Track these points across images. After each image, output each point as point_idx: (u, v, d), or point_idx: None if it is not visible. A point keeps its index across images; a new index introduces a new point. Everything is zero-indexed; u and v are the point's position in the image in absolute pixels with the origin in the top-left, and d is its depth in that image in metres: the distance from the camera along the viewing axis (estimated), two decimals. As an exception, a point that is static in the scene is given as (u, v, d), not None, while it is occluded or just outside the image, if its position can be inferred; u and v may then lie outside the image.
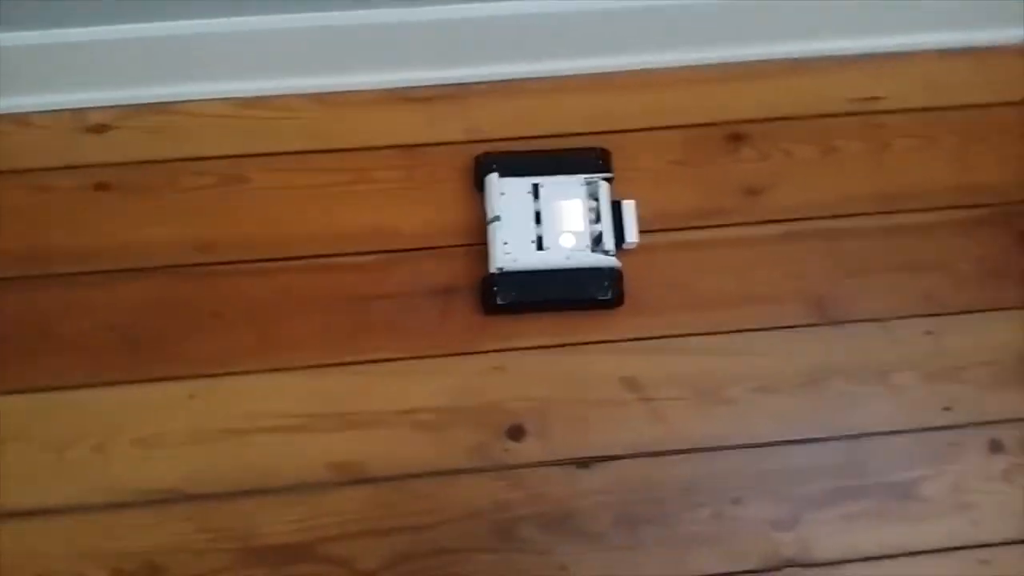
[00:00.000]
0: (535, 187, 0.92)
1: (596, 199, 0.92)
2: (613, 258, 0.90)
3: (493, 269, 0.90)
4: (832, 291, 0.93)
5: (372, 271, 0.93)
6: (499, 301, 0.89)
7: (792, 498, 0.87)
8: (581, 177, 0.92)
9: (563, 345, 0.91)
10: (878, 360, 0.91)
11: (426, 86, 0.98)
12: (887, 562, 0.86)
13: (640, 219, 0.92)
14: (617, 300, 0.90)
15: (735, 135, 0.98)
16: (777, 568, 0.85)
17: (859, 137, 0.98)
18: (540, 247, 0.90)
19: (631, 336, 0.91)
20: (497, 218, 0.91)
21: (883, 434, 0.89)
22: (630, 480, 0.87)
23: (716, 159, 0.97)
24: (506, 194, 0.92)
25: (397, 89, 0.98)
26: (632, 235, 0.91)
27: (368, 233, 0.94)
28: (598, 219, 0.91)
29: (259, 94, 0.98)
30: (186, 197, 0.95)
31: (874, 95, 1.00)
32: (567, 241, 0.90)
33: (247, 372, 0.89)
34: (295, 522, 0.85)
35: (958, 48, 1.02)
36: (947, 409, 0.90)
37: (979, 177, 0.98)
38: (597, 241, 0.91)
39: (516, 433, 0.88)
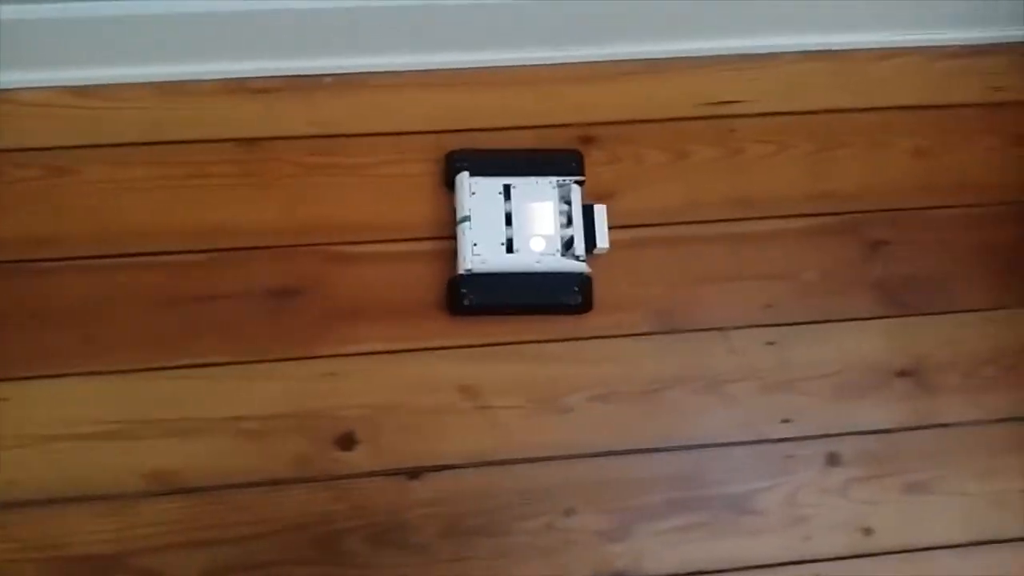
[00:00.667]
0: (506, 188, 0.90)
1: (568, 202, 0.90)
2: (583, 263, 0.88)
3: (461, 270, 0.87)
4: (676, 299, 0.92)
5: (203, 270, 0.89)
6: (466, 303, 0.87)
7: (626, 510, 0.86)
8: (553, 179, 0.90)
9: (399, 351, 0.89)
10: (718, 370, 0.91)
11: (267, 77, 0.95)
12: (718, 576, 0.85)
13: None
14: (586, 305, 0.89)
15: (585, 137, 0.96)
16: (606, 582, 0.84)
17: (712, 142, 0.97)
18: (510, 250, 0.89)
19: (470, 343, 0.89)
20: (467, 218, 0.88)
21: (720, 445, 0.89)
22: (461, 491, 0.85)
23: (564, 160, 0.95)
24: (476, 194, 0.89)
25: (237, 80, 0.95)
26: (603, 240, 0.90)
27: (201, 230, 0.90)
28: (569, 223, 0.89)
29: (92, 83, 0.94)
30: (8, 190, 0.90)
31: (729, 99, 0.98)
32: (537, 244, 0.89)
33: (65, 375, 0.86)
34: (107, 532, 0.81)
35: (818, 50, 1.01)
36: (786, 421, 0.90)
37: (832, 184, 0.97)
38: (567, 245, 0.89)
39: (346, 442, 0.86)
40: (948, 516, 0.88)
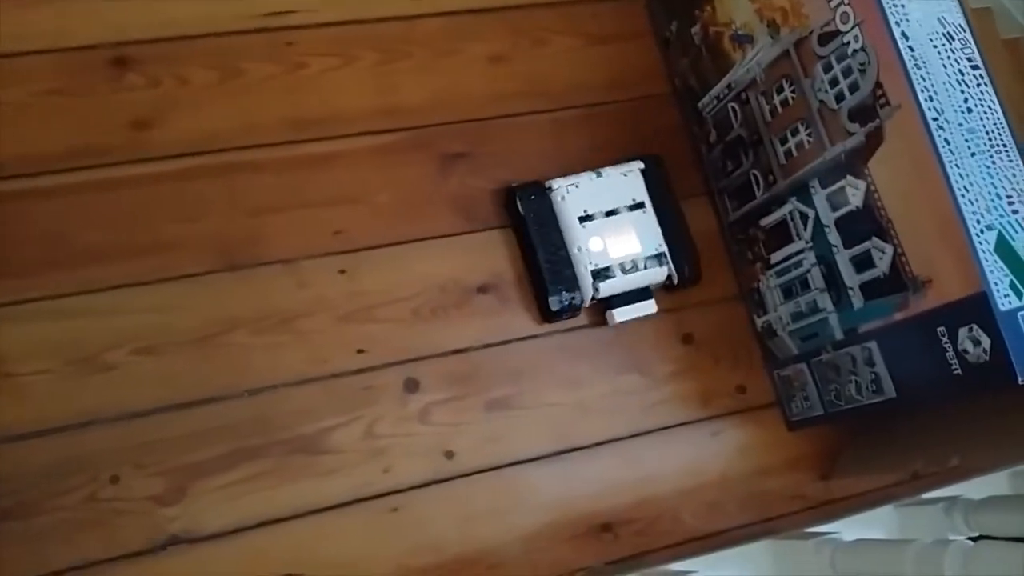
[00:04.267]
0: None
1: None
2: None
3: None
4: (234, 233, 0.87)
5: None
6: None
7: (180, 469, 0.81)
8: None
9: None
10: (285, 306, 0.87)
11: None
12: (291, 523, 0.82)
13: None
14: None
15: (119, 59, 0.88)
16: (162, 547, 0.79)
17: (269, 58, 0.91)
18: None
19: (-14, 303, 0.80)
20: None
21: (289, 385, 0.85)
22: (-18, 472, 0.77)
23: (96, 88, 0.87)
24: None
25: None
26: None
27: None
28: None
29: None
30: None
31: (284, 8, 0.93)
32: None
33: None
34: None
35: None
36: (361, 352, 0.87)
37: (401, 98, 0.94)
38: None
39: None
40: (532, 430, 0.90)
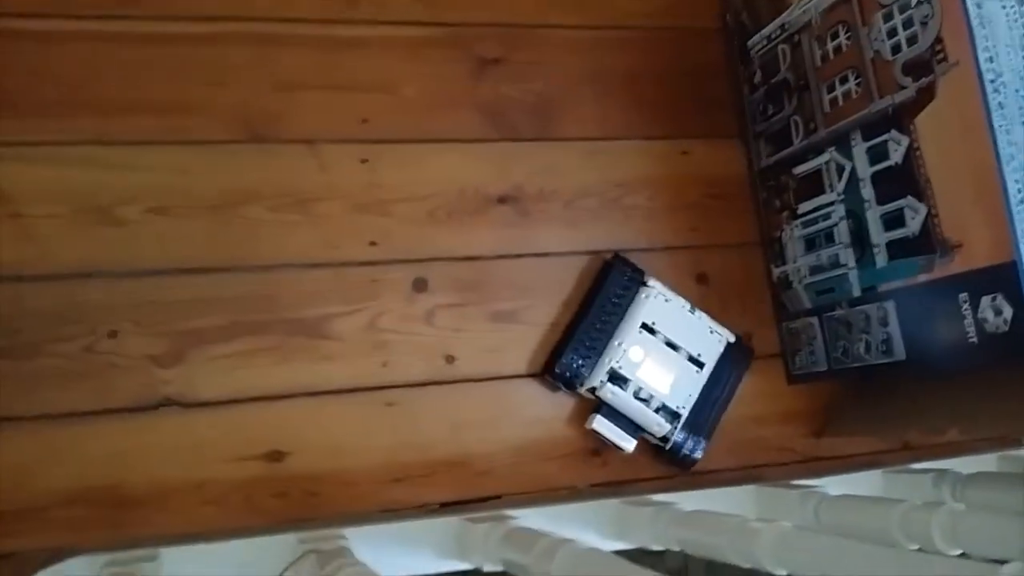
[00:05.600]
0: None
1: None
2: None
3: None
4: (260, 105, 0.86)
5: None
6: None
7: (180, 333, 0.81)
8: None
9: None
10: (304, 187, 0.86)
11: None
12: (283, 402, 0.83)
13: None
14: None
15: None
16: (154, 407, 0.79)
17: (316, -68, 0.89)
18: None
19: (2, 140, 0.79)
20: None
21: (298, 266, 0.85)
22: (-19, 308, 0.77)
23: (137, -63, 0.85)
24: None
25: None
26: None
27: None
28: None
29: None
30: None
31: None
32: None
33: None
34: None
35: None
36: (373, 244, 0.87)
37: (445, -7, 0.92)
38: None
39: None
40: (533, 347, 0.90)
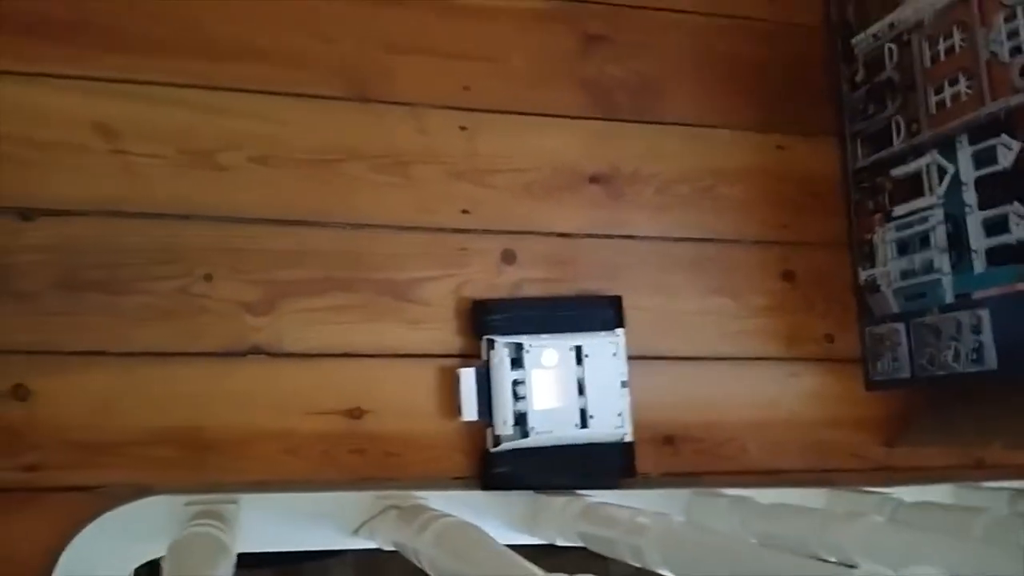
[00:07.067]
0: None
1: None
2: None
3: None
4: (366, 64, 0.88)
5: None
6: None
7: (274, 282, 0.82)
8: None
9: (24, 74, 0.79)
10: (403, 149, 0.87)
11: None
12: (368, 360, 0.84)
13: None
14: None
15: None
16: (241, 354, 0.81)
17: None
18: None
19: (112, 76, 0.81)
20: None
21: (392, 228, 0.86)
22: (82, 240, 0.79)
23: None
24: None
25: None
26: None
27: None
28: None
29: None
30: None
31: None
32: None
33: None
34: None
35: None
36: (465, 212, 0.88)
37: (554, -33, 0.93)
38: None
39: (-57, 168, 0.77)
40: (616, 327, 0.90)
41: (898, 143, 0.91)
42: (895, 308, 0.92)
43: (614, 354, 0.86)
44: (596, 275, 0.91)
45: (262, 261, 0.82)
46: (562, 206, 0.91)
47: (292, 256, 0.83)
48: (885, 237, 0.93)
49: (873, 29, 0.94)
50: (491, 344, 0.83)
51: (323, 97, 0.86)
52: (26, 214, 0.78)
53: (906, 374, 0.91)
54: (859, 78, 0.96)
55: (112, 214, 0.80)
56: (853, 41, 0.97)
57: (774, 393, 0.94)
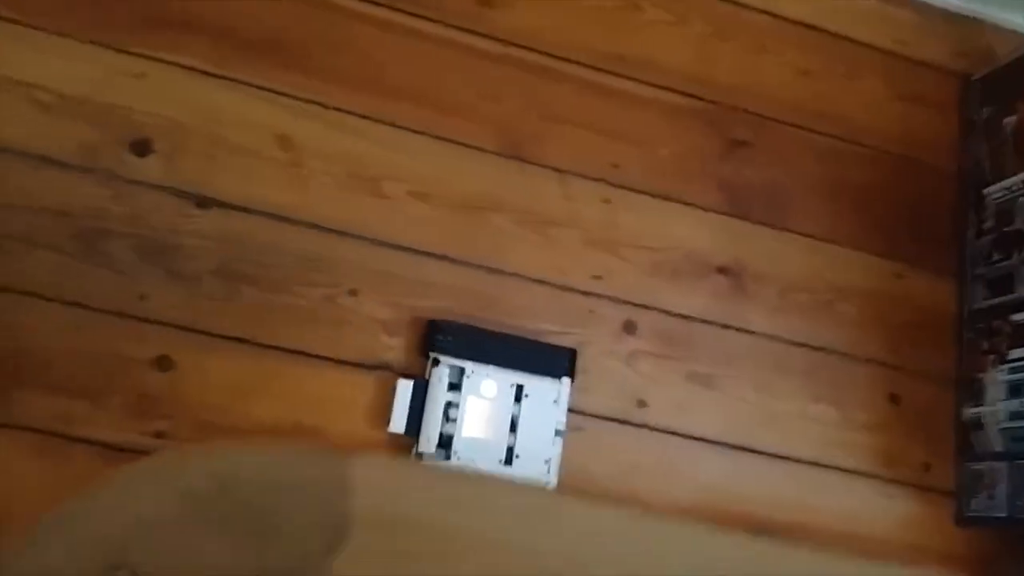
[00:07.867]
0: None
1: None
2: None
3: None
4: (524, 127, 0.94)
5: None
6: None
7: (411, 308, 0.87)
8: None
9: (223, 77, 0.87)
10: (546, 209, 0.93)
11: None
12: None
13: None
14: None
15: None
16: (371, 367, 0.85)
17: (616, -8, 1.00)
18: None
19: (297, 95, 0.89)
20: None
21: (526, 279, 0.91)
22: (248, 235, 0.85)
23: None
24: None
25: None
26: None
27: None
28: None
29: None
30: None
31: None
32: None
33: None
34: None
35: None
36: (597, 278, 0.93)
37: (712, 72, 1.01)
38: None
39: (141, 148, 0.84)
40: (720, 415, 0.93)
41: (1021, 290, 0.95)
42: (998, 447, 0.94)
43: (555, 401, 0.87)
44: (708, 359, 0.94)
45: (404, 286, 0.87)
46: (687, 289, 0.95)
47: (433, 288, 0.88)
48: (996, 378, 0.95)
49: (1007, 182, 0.99)
50: (435, 362, 0.85)
51: (482, 150, 0.92)
52: (202, 202, 0.84)
53: (1002, 512, 0.92)
54: (987, 225, 1.01)
55: (278, 218, 0.86)
56: (985, 191, 1.01)
57: (864, 509, 0.95)
